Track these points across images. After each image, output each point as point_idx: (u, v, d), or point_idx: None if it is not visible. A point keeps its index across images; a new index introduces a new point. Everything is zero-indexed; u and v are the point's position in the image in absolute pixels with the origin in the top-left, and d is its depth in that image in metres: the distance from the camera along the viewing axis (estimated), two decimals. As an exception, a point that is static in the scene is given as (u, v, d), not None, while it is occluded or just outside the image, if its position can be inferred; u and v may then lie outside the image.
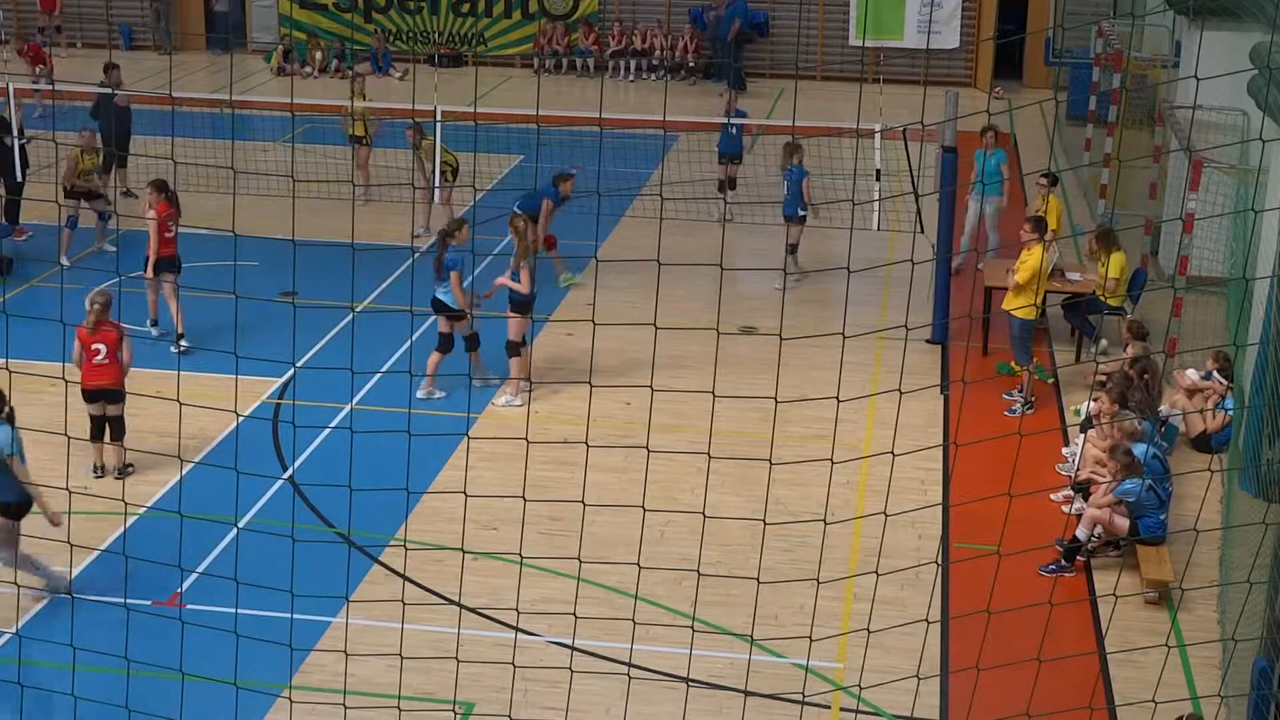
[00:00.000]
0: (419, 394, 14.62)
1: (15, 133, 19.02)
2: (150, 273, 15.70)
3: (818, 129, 22.74)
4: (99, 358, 12.68)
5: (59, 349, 12.76)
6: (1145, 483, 11.58)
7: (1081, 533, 11.79)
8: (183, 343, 15.59)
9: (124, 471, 13.02)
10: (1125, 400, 13.18)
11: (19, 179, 19.19)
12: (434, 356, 14.69)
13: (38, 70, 26.53)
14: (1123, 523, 11.74)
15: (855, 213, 18.01)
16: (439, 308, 14.61)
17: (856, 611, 11.04)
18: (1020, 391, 14.94)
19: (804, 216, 17.97)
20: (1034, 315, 14.52)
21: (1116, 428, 12.44)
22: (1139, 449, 12.08)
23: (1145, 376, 13.35)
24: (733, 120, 20.26)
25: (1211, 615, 11.25)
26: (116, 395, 12.82)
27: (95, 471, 12.98)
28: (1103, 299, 15.73)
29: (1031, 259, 14.36)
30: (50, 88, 24.83)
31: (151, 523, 12.13)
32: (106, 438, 12.97)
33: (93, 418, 12.90)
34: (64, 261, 17.77)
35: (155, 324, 16.18)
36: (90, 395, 12.77)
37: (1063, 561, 11.75)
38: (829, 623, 10.77)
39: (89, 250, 18.76)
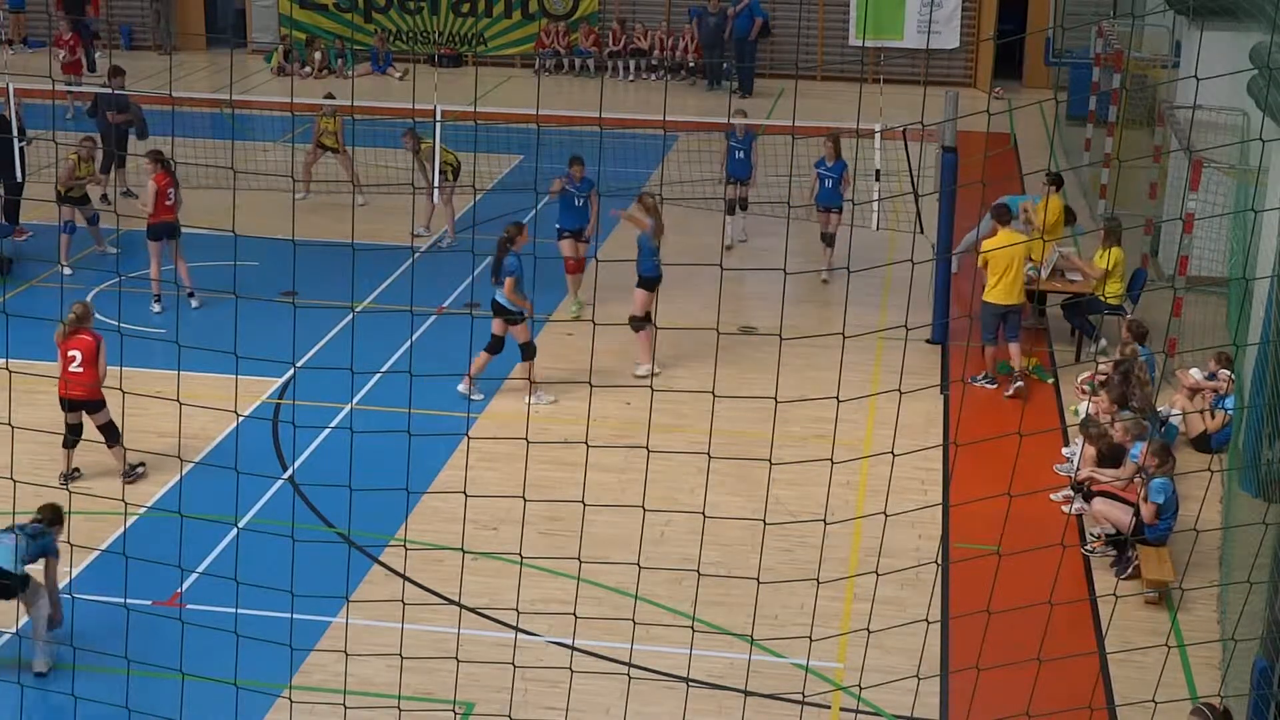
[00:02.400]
0: (459, 388, 14.67)
1: (16, 133, 19.02)
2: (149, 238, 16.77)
3: (818, 129, 22.72)
4: (74, 365, 12.58)
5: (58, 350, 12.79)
6: (1171, 485, 11.58)
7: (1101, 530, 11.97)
8: (193, 300, 16.91)
9: (132, 473, 12.96)
10: (1125, 400, 13.19)
11: (19, 179, 19.19)
12: (482, 356, 14.74)
13: (63, 56, 26.56)
14: (1124, 519, 11.73)
15: (855, 213, 18.03)
16: (497, 310, 14.68)
17: (856, 611, 11.04)
18: (984, 374, 15.42)
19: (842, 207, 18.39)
20: (1001, 300, 14.95)
21: (1120, 427, 12.44)
22: (1138, 449, 12.09)
23: (1130, 378, 13.36)
24: (737, 121, 20.15)
25: (1211, 615, 11.25)
26: (93, 406, 12.71)
27: (62, 479, 12.78)
28: (1099, 296, 15.77)
29: (991, 243, 15.04)
30: (71, 88, 24.88)
31: (151, 523, 12.13)
32: (105, 445, 12.94)
33: (69, 425, 12.82)
34: (65, 270, 17.77)
35: (159, 299, 16.97)
36: (66, 405, 12.72)
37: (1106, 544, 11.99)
38: (829, 623, 10.77)
39: (87, 251, 18.76)
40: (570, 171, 17.26)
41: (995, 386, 15.27)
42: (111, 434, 12.82)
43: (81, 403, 12.69)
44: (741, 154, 19.74)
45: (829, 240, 18.54)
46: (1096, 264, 15.85)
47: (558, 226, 17.38)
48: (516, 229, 14.77)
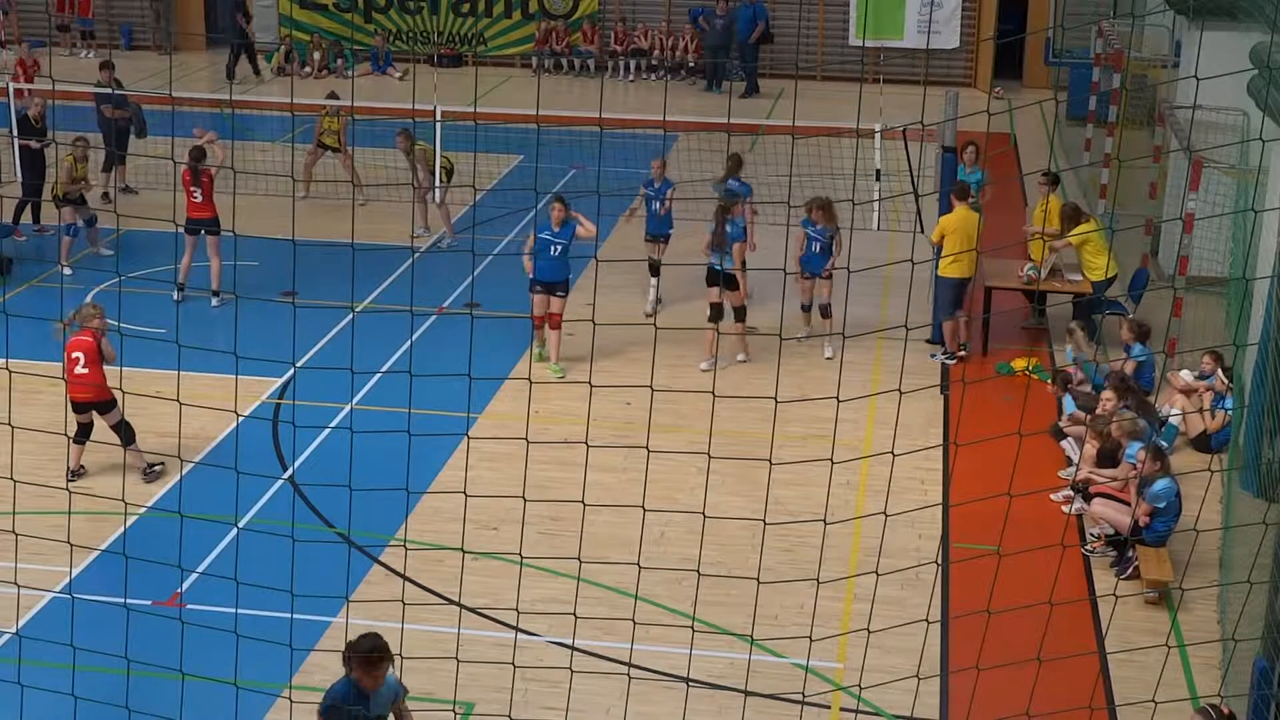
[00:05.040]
0: (702, 366, 15.30)
1: (15, 133, 19.02)
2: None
3: (818, 129, 22.73)
4: (78, 367, 12.59)
5: (58, 349, 12.78)
6: (1175, 487, 11.57)
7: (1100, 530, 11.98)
8: (215, 299, 16.89)
9: (151, 472, 12.95)
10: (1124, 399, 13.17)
11: (18, 179, 19.19)
12: (710, 330, 15.35)
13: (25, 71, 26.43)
14: (1123, 519, 11.72)
15: (855, 213, 18.02)
16: (721, 278, 15.29)
17: (856, 611, 11.04)
18: (943, 348, 15.99)
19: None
20: (959, 274, 15.59)
21: (1116, 427, 12.43)
22: (1133, 448, 12.07)
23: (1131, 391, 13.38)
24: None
25: (1211, 615, 11.25)
26: (103, 407, 12.70)
27: (70, 475, 12.77)
28: (1091, 276, 15.97)
29: (947, 220, 15.76)
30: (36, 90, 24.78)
31: (151, 523, 12.12)
32: (120, 444, 12.90)
33: (79, 424, 12.84)
34: (65, 270, 17.77)
35: (180, 289, 17.03)
36: (75, 406, 12.72)
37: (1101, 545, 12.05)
38: (829, 623, 10.77)
39: (84, 253, 18.76)
40: (551, 212, 15.28)
41: (955, 363, 15.78)
42: (125, 434, 12.73)
43: (89, 404, 12.70)
44: (658, 204, 16.97)
45: (817, 310, 16.20)
46: (1035, 219, 16.72)
47: (530, 277, 15.38)
48: (733, 200, 15.60)
